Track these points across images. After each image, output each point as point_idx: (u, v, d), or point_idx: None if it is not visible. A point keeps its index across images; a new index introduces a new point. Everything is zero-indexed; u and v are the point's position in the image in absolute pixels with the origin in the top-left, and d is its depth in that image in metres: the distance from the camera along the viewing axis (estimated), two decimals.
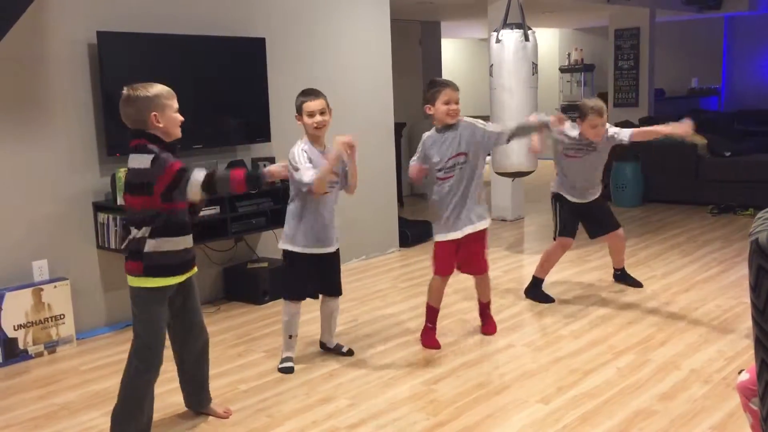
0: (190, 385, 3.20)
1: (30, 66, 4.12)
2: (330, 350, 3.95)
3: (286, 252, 3.70)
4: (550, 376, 3.54)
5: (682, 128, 4.29)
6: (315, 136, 3.60)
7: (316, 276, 3.75)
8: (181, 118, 2.89)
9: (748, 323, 4.07)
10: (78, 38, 4.29)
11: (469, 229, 3.84)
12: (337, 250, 3.75)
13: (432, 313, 4.03)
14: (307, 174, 3.44)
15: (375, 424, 3.10)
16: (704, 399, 3.23)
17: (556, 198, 4.70)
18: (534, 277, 4.79)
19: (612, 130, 4.52)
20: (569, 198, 4.64)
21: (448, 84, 3.81)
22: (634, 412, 3.13)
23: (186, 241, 2.94)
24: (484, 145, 3.84)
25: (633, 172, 8.05)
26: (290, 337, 3.75)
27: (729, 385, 3.33)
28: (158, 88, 2.84)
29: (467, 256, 3.94)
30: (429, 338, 4.01)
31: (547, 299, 4.72)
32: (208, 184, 2.79)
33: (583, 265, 5.48)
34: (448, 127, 3.81)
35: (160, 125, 2.81)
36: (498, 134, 3.83)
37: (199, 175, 2.78)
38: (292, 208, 3.65)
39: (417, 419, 3.13)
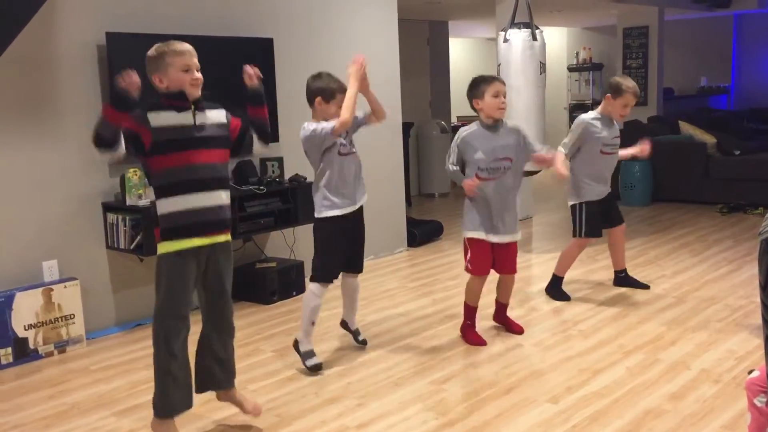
0: (214, 363, 2.98)
1: (39, 67, 4.14)
2: (349, 331, 4.03)
3: (322, 223, 3.63)
4: (560, 376, 3.53)
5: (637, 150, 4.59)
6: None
7: (344, 249, 3.72)
8: (193, 76, 2.70)
9: (758, 322, 4.06)
10: (87, 39, 4.30)
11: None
12: (361, 208, 3.73)
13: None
14: (327, 126, 3.48)
15: (384, 423, 3.10)
16: (714, 399, 3.22)
17: (579, 206, 4.65)
18: (554, 275, 4.81)
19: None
20: (595, 199, 4.62)
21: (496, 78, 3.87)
22: (643, 411, 3.12)
23: (202, 199, 2.72)
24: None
25: (642, 171, 8.02)
26: (312, 323, 3.70)
27: (739, 384, 3.31)
28: (164, 47, 2.68)
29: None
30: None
31: (563, 297, 4.73)
32: (94, 136, 2.53)
33: (592, 264, 5.46)
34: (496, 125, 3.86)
35: (164, 85, 2.69)
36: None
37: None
38: (320, 182, 3.61)
39: (426, 419, 3.13)
